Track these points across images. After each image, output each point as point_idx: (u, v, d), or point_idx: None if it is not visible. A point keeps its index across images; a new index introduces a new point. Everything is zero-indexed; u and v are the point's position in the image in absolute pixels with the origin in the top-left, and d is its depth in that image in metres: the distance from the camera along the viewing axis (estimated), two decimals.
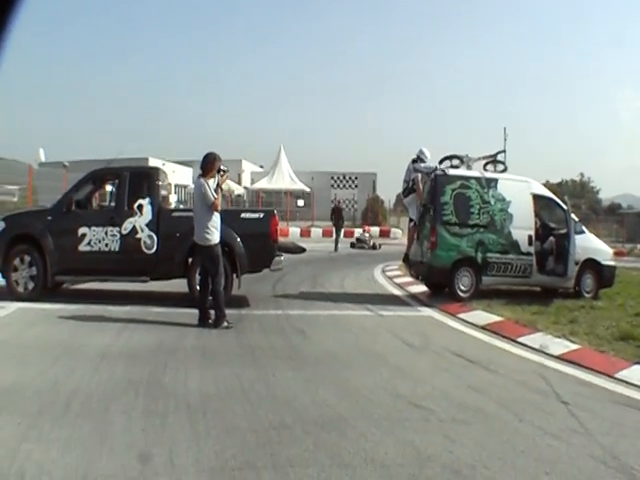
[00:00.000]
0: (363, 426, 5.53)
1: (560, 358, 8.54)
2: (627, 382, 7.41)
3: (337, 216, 30.91)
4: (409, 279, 16.77)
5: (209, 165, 10.24)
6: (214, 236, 10.05)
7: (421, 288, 15.28)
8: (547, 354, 8.77)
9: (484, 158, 15.06)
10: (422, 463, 4.76)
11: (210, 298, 10.17)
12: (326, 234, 40.44)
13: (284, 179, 57.66)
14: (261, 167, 66.93)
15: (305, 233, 39.51)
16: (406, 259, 15.30)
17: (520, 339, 9.69)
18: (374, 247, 32.78)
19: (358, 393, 6.65)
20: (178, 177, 43.53)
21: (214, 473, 4.46)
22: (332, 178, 62.04)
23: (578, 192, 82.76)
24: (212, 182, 10.13)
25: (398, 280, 17.52)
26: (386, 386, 6.95)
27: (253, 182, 59.40)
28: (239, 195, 53.55)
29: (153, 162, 44.19)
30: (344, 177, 62.43)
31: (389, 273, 19.51)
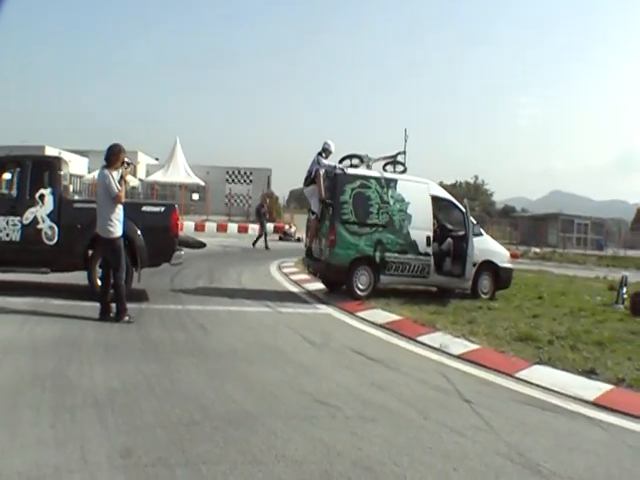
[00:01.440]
0: (271, 423, 5.46)
1: (460, 357, 8.66)
2: (527, 381, 7.58)
3: (262, 213, 30.45)
4: (306, 276, 16.81)
5: (114, 157, 9.94)
6: (117, 229, 9.79)
7: (318, 285, 15.27)
8: (447, 353, 8.88)
9: (384, 158, 15.17)
10: (332, 459, 4.73)
11: (111, 291, 9.92)
12: (220, 229, 40.29)
13: (179, 172, 56.72)
14: (156, 159, 65.66)
15: (200, 227, 39.13)
16: (309, 253, 15.14)
17: (419, 338, 9.78)
18: (298, 240, 34.26)
19: (263, 389, 6.57)
20: (74, 167, 42.29)
21: (128, 470, 4.35)
22: (227, 173, 61.46)
23: (472, 194, 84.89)
24: (116, 174, 9.85)
25: (295, 277, 17.49)
26: (291, 382, 6.89)
27: (148, 174, 58.19)
28: (134, 187, 52.31)
29: (50, 151, 42.95)
30: (239, 172, 61.97)
31: (285, 270, 19.46)
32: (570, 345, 9.50)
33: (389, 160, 15.14)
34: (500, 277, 14.94)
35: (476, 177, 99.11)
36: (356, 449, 4.97)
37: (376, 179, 13.89)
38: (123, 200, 9.90)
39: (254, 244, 28.61)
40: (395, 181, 14.07)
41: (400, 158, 15.32)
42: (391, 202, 13.76)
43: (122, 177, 9.93)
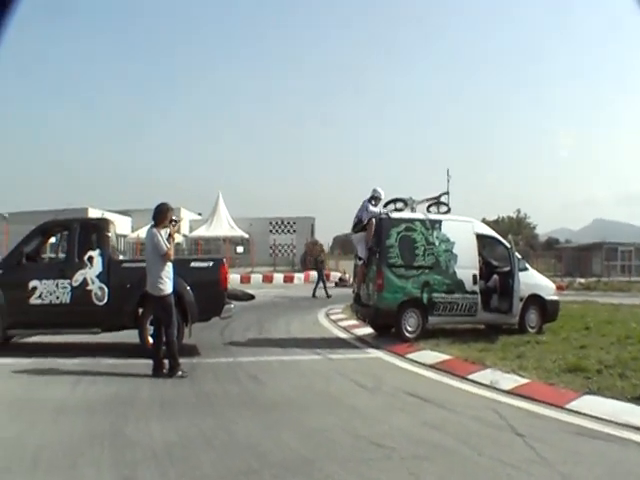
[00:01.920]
0: (328, 467, 5.57)
1: (511, 392, 8.71)
2: (578, 412, 7.61)
3: (319, 262, 31.03)
4: (354, 322, 16.90)
5: (161, 215, 10.24)
6: (167, 286, 10.01)
7: (366, 330, 15.37)
8: (498, 389, 8.93)
9: (427, 200, 15.32)
10: None
11: (164, 348, 10.10)
12: (266, 280, 40.49)
13: (222, 226, 57.35)
14: (199, 215, 66.49)
15: (245, 279, 39.36)
16: (357, 299, 15.25)
17: (470, 376, 9.84)
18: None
19: (319, 435, 6.69)
20: (117, 227, 43.12)
21: None
22: (270, 223, 61.97)
23: (515, 228, 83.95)
24: (163, 232, 10.13)
25: (343, 323, 17.59)
26: (345, 427, 7.01)
27: (192, 230, 58.97)
28: (178, 243, 53.09)
29: (92, 212, 43.78)
30: (282, 222, 62.39)
31: (333, 317, 19.55)
32: (619, 373, 9.46)
33: (432, 202, 15.29)
34: (547, 310, 14.86)
35: (518, 211, 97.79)
36: None
37: (421, 221, 14.07)
38: (172, 258, 10.14)
39: (314, 294, 28.52)
40: (440, 222, 14.21)
41: (444, 199, 15.52)
42: (437, 243, 13.90)
43: (170, 235, 10.19)
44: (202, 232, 56.93)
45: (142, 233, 46.41)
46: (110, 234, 12.52)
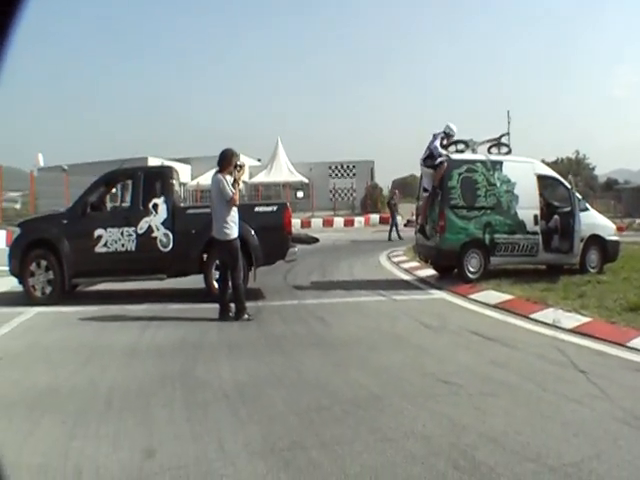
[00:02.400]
0: (398, 403, 5.86)
1: (573, 331, 8.87)
2: (639, 350, 7.76)
3: (392, 205, 31.04)
4: (415, 264, 17.25)
5: (226, 161, 10.39)
6: (233, 231, 10.23)
7: (429, 272, 15.65)
8: (560, 328, 9.09)
9: (488, 141, 15.30)
10: (459, 433, 5.08)
11: (230, 292, 10.37)
12: (326, 224, 40.72)
13: (282, 172, 57.67)
14: (259, 160, 66.64)
15: (306, 223, 39.77)
16: (422, 230, 15.23)
17: (532, 315, 10.02)
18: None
19: (387, 373, 6.97)
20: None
21: (265, 455, 4.68)
22: (330, 168, 61.61)
23: (574, 169, 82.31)
24: (229, 177, 10.30)
25: (405, 265, 17.90)
26: (413, 365, 7.29)
27: (251, 176, 59.34)
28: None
29: (152, 161, 44.32)
30: (342, 166, 62.02)
31: (395, 259, 19.85)
32: None
33: (493, 142, 15.29)
34: (607, 251, 14.86)
35: (577, 152, 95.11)
36: (480, 422, 5.32)
37: (482, 162, 14.12)
38: (237, 202, 10.31)
39: (390, 237, 28.77)
40: (501, 163, 14.24)
41: (504, 140, 15.41)
42: (498, 184, 13.96)
43: (235, 180, 10.33)
44: (262, 178, 57.31)
45: (202, 180, 47.04)
46: (174, 182, 12.82)
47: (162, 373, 7.09)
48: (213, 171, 10.64)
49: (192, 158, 58.93)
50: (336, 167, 62.02)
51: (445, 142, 14.72)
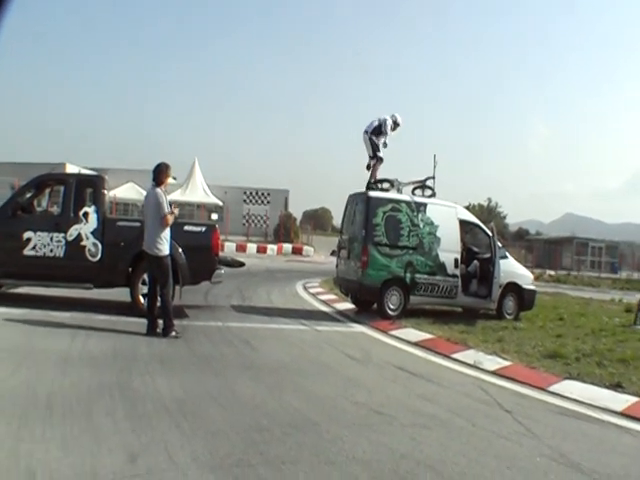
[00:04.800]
0: (335, 429, 5.97)
1: (495, 373, 9.22)
2: (560, 394, 8.16)
3: None
4: (332, 296, 17.52)
5: (162, 174, 10.46)
6: (165, 247, 10.23)
7: (346, 305, 15.89)
8: (482, 369, 9.43)
9: (413, 183, 15.76)
10: (398, 460, 5.26)
11: (158, 307, 10.30)
12: (239, 249, 40.63)
13: (198, 192, 57.17)
14: (174, 179, 65.98)
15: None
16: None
17: (454, 355, 10.33)
18: None
19: (320, 400, 7.10)
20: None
21: (215, 470, 4.73)
22: (245, 193, 61.72)
23: (485, 217, 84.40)
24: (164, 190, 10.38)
25: (322, 297, 18.07)
26: (343, 394, 7.41)
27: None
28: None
29: (70, 168, 43.45)
30: (257, 193, 62.19)
31: (312, 290, 19.99)
32: (596, 362, 10.08)
33: (418, 185, 15.70)
34: (524, 298, 15.49)
35: (489, 199, 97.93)
36: (417, 451, 5.51)
37: (407, 203, 14.51)
38: (170, 223, 10.33)
39: None
40: (425, 205, 14.67)
41: (429, 183, 15.87)
42: (421, 225, 14.36)
43: (171, 208, 10.40)
44: (177, 196, 56.67)
45: (119, 193, 46.41)
46: (105, 191, 12.68)
47: (99, 382, 6.99)
48: (129, 185, 10.65)
49: (109, 169, 57.91)
50: (251, 193, 62.14)
51: (393, 127, 15.58)
